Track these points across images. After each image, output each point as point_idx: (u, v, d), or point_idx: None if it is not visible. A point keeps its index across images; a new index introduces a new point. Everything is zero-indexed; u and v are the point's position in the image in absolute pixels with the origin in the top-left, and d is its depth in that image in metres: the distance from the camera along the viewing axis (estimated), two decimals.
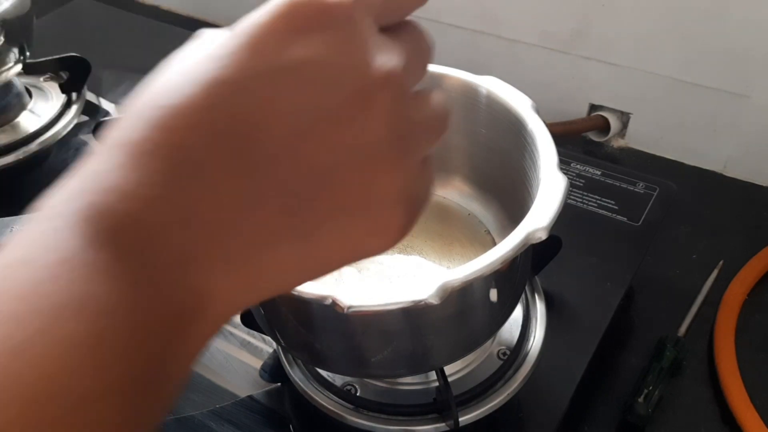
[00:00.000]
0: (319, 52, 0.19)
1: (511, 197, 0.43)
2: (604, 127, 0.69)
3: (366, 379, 0.44)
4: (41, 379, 0.16)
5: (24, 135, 0.65)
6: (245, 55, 0.19)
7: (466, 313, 0.37)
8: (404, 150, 0.21)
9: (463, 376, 0.44)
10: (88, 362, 0.17)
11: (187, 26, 0.88)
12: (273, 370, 0.48)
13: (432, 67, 0.49)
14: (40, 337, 0.17)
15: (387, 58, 0.20)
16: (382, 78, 0.20)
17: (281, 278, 0.22)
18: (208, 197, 0.19)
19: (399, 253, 0.46)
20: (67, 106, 0.69)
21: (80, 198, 0.19)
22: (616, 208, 0.56)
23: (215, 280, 0.20)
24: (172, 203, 0.19)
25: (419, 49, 0.23)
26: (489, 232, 0.47)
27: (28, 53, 0.67)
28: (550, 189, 0.35)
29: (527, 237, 0.33)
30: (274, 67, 0.19)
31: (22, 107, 0.69)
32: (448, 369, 0.42)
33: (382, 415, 0.42)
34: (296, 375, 0.44)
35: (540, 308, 0.47)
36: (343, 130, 0.20)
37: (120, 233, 0.18)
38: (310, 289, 0.32)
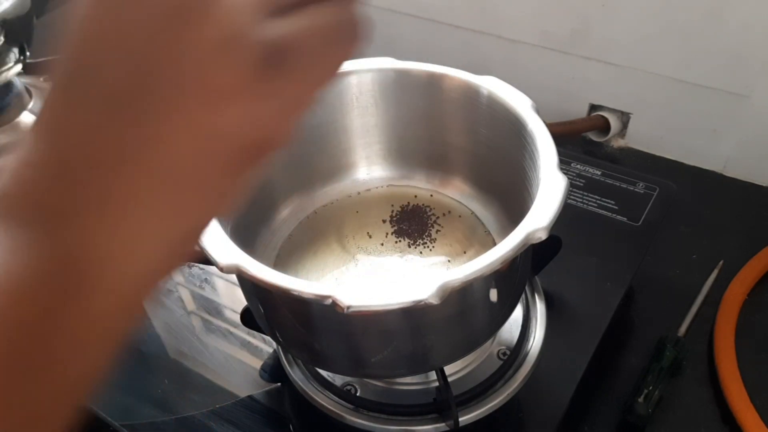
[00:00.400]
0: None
1: (511, 197, 0.43)
2: (604, 127, 0.69)
3: (366, 379, 0.44)
4: None
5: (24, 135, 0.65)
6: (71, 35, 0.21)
7: (466, 313, 0.37)
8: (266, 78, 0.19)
9: (463, 376, 0.44)
10: None
11: None
12: (273, 370, 0.48)
13: (432, 67, 0.49)
14: None
15: None
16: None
17: (152, 220, 0.20)
18: (51, 156, 0.19)
19: (399, 253, 0.46)
20: None
21: None
22: (616, 208, 0.56)
23: (86, 231, 0.19)
24: (26, 175, 0.20)
25: None
26: (489, 232, 0.47)
27: (28, 53, 0.67)
28: (550, 189, 0.35)
29: (527, 237, 0.33)
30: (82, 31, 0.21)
31: (22, 107, 0.69)
32: (448, 369, 0.42)
33: (382, 415, 0.42)
34: (296, 375, 0.44)
35: (540, 308, 0.47)
36: (177, 63, 0.19)
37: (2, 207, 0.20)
38: (310, 289, 0.32)
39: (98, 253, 0.19)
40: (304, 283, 0.33)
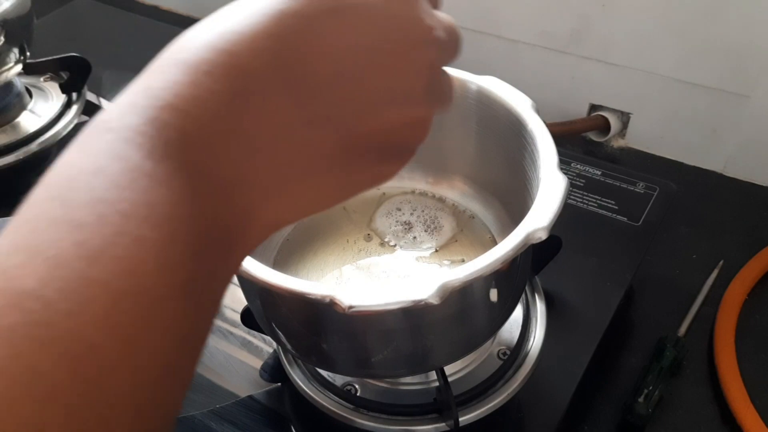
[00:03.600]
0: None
1: (511, 197, 0.43)
2: (604, 127, 0.69)
3: (366, 379, 0.44)
4: (119, 280, 0.17)
5: (24, 135, 0.65)
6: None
7: (466, 313, 0.37)
8: (431, 103, 0.24)
9: (463, 376, 0.44)
10: (160, 264, 0.18)
11: (187, 26, 0.88)
12: (273, 370, 0.48)
13: None
14: (113, 242, 0.17)
15: (435, 21, 0.23)
16: (430, 39, 0.23)
17: (318, 202, 0.23)
18: (264, 122, 0.20)
19: (399, 253, 0.46)
20: (67, 106, 0.69)
21: (135, 113, 0.19)
22: (616, 208, 0.56)
23: (260, 203, 0.21)
24: (227, 124, 0.20)
25: (451, 28, 0.25)
26: (489, 233, 0.47)
27: (28, 53, 0.67)
28: (550, 189, 0.35)
29: (527, 237, 0.33)
30: (340, 5, 0.21)
31: (23, 107, 0.69)
32: (448, 369, 0.42)
33: (383, 415, 0.42)
34: (296, 375, 0.44)
35: (540, 308, 0.47)
36: (391, 74, 0.22)
37: (177, 149, 0.19)
38: (310, 289, 0.32)
39: (262, 217, 0.21)
40: (304, 283, 0.33)
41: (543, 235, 0.33)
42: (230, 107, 0.20)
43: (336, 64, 0.21)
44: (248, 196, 0.21)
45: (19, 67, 0.66)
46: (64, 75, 0.71)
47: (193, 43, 0.20)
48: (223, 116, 0.20)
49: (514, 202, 0.42)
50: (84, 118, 0.70)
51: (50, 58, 0.70)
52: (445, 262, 0.45)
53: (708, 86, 0.62)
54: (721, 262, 0.56)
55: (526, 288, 0.47)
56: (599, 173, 0.59)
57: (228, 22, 0.21)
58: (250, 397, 0.46)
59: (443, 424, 0.41)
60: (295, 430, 0.45)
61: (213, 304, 0.21)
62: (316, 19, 0.21)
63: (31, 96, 0.70)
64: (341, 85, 0.21)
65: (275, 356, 0.48)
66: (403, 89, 0.23)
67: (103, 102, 0.75)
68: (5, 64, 0.65)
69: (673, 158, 0.68)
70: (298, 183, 0.22)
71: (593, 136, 0.71)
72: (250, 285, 0.38)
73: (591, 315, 0.49)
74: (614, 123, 0.69)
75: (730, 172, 0.65)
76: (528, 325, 0.46)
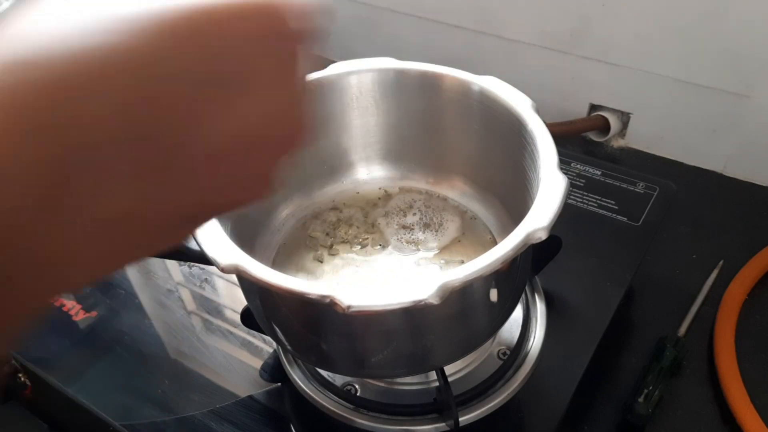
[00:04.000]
0: (264, 79, 0.18)
1: (511, 197, 0.43)
2: (604, 127, 0.69)
3: (366, 379, 0.44)
4: None
5: None
6: (177, 35, 0.16)
7: (466, 313, 0.37)
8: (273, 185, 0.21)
9: (463, 376, 0.44)
10: None
11: None
12: (273, 370, 0.48)
13: (432, 67, 0.49)
14: None
15: (304, 115, 0.20)
16: (299, 138, 0.20)
17: (122, 264, 0.19)
18: (84, 208, 0.16)
19: (399, 253, 0.46)
20: None
21: None
22: (616, 208, 0.56)
23: (55, 278, 0.17)
24: (36, 211, 0.15)
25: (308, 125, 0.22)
26: (490, 233, 0.47)
27: None
28: (550, 189, 0.35)
29: (527, 237, 0.33)
30: (216, 76, 0.17)
31: None
32: (448, 369, 0.42)
33: (382, 415, 0.42)
34: (296, 375, 0.44)
35: (540, 308, 0.47)
36: (256, 163, 0.20)
37: None
38: (309, 288, 0.32)
39: (32, 294, 0.17)
40: (304, 283, 0.33)
41: (543, 235, 0.33)
42: (47, 193, 0.15)
43: (204, 143, 0.17)
44: (44, 277, 0.16)
45: None
46: None
47: (13, 75, 0.14)
48: (34, 203, 0.15)
49: (514, 202, 0.42)
50: None
51: None
52: (445, 261, 0.45)
53: (708, 86, 0.62)
54: (721, 262, 0.56)
55: (526, 288, 0.47)
56: (599, 173, 0.59)
57: (55, 53, 0.15)
58: (250, 397, 0.46)
59: (443, 424, 0.41)
60: (295, 430, 0.45)
61: None
62: (174, 79, 0.16)
63: None
64: (187, 167, 0.17)
65: (275, 356, 0.48)
66: (258, 178, 0.20)
67: None
68: None
69: (673, 158, 0.68)
70: (108, 257, 0.18)
71: (593, 136, 0.71)
72: (250, 285, 0.38)
73: (591, 315, 0.49)
74: (614, 123, 0.69)
75: (730, 172, 0.65)
76: (528, 325, 0.46)
